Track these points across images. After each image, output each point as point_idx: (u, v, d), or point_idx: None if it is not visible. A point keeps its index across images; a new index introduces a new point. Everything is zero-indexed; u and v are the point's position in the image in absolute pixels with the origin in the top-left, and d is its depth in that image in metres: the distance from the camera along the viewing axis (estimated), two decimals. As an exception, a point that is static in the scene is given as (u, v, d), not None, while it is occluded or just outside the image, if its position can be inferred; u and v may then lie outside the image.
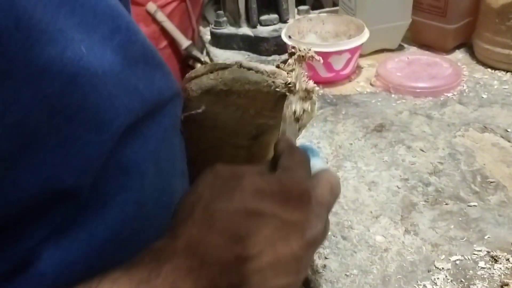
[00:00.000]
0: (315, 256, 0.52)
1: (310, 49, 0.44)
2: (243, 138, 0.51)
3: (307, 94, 0.46)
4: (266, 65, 0.43)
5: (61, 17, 0.26)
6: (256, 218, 0.31)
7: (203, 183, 0.33)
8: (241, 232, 0.30)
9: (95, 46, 0.28)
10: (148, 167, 0.34)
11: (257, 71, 0.42)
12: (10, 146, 0.25)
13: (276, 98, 0.45)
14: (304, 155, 0.36)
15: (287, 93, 0.42)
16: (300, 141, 0.67)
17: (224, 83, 0.43)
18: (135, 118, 0.32)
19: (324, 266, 0.51)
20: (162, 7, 2.07)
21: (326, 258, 0.52)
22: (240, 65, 0.43)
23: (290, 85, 0.42)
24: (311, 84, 0.46)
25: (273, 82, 0.42)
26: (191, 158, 0.45)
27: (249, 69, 0.43)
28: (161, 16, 2.09)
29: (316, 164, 0.38)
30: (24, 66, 0.24)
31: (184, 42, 2.14)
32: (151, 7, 2.05)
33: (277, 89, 0.42)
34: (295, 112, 0.42)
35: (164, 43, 2.15)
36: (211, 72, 0.44)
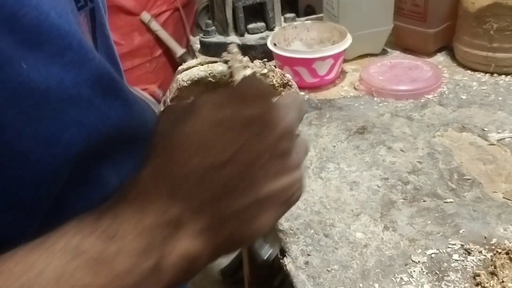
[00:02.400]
0: (298, 253, 0.55)
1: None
2: None
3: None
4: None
5: None
6: (218, 126, 0.29)
7: (161, 121, 0.32)
8: (206, 143, 0.29)
9: (39, 63, 0.29)
10: (114, 180, 0.36)
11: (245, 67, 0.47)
12: None
13: None
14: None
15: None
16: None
17: (213, 75, 0.46)
18: (99, 137, 0.33)
19: (307, 262, 0.54)
20: (156, 16, 2.11)
21: (308, 255, 0.55)
22: (226, 61, 0.47)
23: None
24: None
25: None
26: None
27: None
28: (155, 26, 2.13)
29: None
30: None
31: (179, 50, 2.18)
32: (145, 16, 2.09)
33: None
34: None
35: (159, 51, 2.19)
36: (202, 65, 0.47)
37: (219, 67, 0.48)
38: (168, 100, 0.50)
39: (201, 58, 0.49)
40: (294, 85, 0.51)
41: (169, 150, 0.29)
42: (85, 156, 0.32)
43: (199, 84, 0.47)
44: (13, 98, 0.27)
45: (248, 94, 0.30)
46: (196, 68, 0.48)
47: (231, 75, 0.46)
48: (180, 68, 0.49)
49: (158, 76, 2.22)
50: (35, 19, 0.28)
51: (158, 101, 2.20)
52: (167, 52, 2.21)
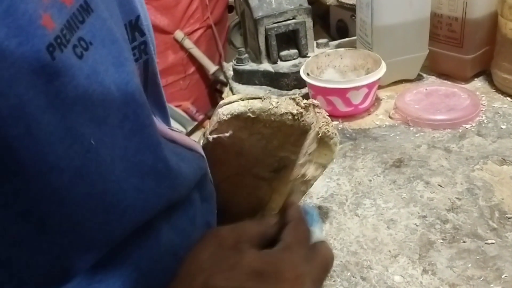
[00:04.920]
0: (335, 298, 0.55)
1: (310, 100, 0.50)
2: (265, 169, 0.55)
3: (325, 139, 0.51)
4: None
5: (73, 116, 0.28)
6: None
7: (205, 251, 0.36)
8: None
9: (106, 136, 0.30)
10: (166, 230, 0.37)
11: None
12: (22, 230, 0.27)
13: (299, 133, 0.50)
14: (307, 232, 0.38)
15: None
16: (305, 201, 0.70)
17: (252, 111, 0.47)
18: (158, 200, 0.34)
19: (344, 307, 0.54)
20: (189, 34, 2.14)
21: (345, 299, 0.54)
22: (261, 98, 0.49)
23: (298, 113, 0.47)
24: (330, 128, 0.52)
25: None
26: (215, 184, 0.49)
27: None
28: (188, 43, 2.16)
29: (314, 232, 0.41)
30: (33, 163, 0.26)
31: (212, 68, 2.21)
32: (179, 35, 2.12)
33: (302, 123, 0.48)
34: (304, 175, 0.45)
35: (192, 69, 2.23)
36: (242, 100, 0.49)
37: (258, 104, 0.49)
38: (208, 132, 0.51)
39: (242, 94, 0.50)
40: (337, 139, 0.52)
41: None
42: (142, 219, 0.33)
43: (238, 118, 0.48)
44: (80, 173, 0.28)
45: (288, 279, 0.34)
46: (236, 103, 0.49)
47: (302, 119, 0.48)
48: (221, 102, 0.50)
49: (191, 93, 2.25)
50: (101, 94, 0.29)
51: (192, 118, 2.23)
52: (200, 69, 2.24)
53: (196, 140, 0.54)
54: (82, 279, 0.31)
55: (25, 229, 0.27)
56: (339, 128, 0.86)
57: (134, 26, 0.37)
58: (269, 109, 0.49)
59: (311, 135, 0.53)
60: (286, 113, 0.49)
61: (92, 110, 0.29)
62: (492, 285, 0.53)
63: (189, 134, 2.04)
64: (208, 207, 0.46)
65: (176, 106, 2.18)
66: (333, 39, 1.27)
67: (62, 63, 0.26)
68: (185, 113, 2.23)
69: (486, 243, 0.59)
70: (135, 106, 0.33)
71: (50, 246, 0.29)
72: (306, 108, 0.50)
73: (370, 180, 0.72)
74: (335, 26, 1.95)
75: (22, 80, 0.24)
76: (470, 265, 0.56)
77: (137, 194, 0.32)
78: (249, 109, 0.48)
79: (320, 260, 0.38)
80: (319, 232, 0.41)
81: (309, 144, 0.54)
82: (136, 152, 0.33)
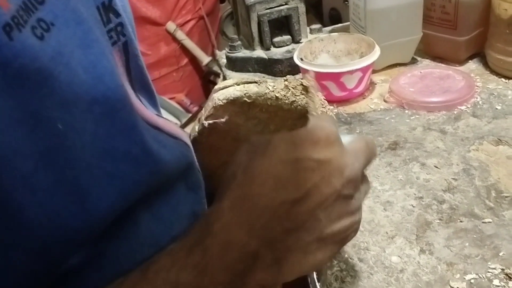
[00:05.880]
0: (332, 279, 0.54)
1: (301, 78, 0.49)
2: None
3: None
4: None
5: (36, 99, 0.27)
6: (292, 165, 0.32)
7: (240, 153, 0.35)
8: (281, 180, 0.32)
9: (75, 121, 0.29)
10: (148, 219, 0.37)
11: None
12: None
13: (296, 117, 0.49)
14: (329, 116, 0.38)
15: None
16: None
17: (248, 96, 0.47)
18: (134, 186, 0.34)
19: (342, 289, 0.53)
20: (181, 25, 2.13)
21: (343, 281, 0.54)
22: (257, 82, 0.48)
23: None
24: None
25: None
26: (211, 170, 0.48)
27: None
28: (181, 35, 2.14)
29: (345, 137, 0.40)
30: None
31: (205, 59, 2.20)
32: (171, 26, 2.11)
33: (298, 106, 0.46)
34: None
35: (185, 60, 2.22)
36: (238, 85, 0.48)
37: (254, 88, 0.48)
38: (203, 118, 0.50)
39: (238, 78, 0.49)
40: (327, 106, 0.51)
41: (248, 184, 0.33)
42: (119, 206, 0.32)
43: (234, 103, 0.47)
44: (45, 160, 0.27)
45: (321, 138, 0.33)
46: (232, 88, 0.48)
47: (293, 102, 0.47)
48: (216, 87, 0.50)
49: (185, 85, 2.24)
50: (67, 77, 0.28)
51: (186, 109, 2.22)
52: (193, 60, 2.23)
53: (189, 131, 0.53)
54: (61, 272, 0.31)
55: (2, 223, 0.27)
56: (334, 113, 0.85)
57: (107, 8, 0.35)
58: (266, 93, 0.48)
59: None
60: (284, 96, 0.48)
61: (59, 93, 0.28)
62: (489, 263, 0.53)
63: (183, 126, 2.03)
64: (195, 197, 0.45)
65: (170, 98, 2.17)
66: (327, 27, 1.26)
67: (21, 44, 0.26)
68: (179, 105, 2.22)
69: (483, 222, 0.58)
70: (104, 89, 0.32)
71: (29, 240, 0.28)
72: (295, 89, 0.49)
73: (366, 163, 0.71)
74: (328, 14, 1.94)
75: None
76: (467, 244, 0.56)
77: (110, 180, 0.32)
78: (245, 94, 0.48)
79: (358, 138, 0.38)
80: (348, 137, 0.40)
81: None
82: (107, 137, 0.32)
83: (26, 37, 0.26)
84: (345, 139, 0.38)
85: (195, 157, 0.47)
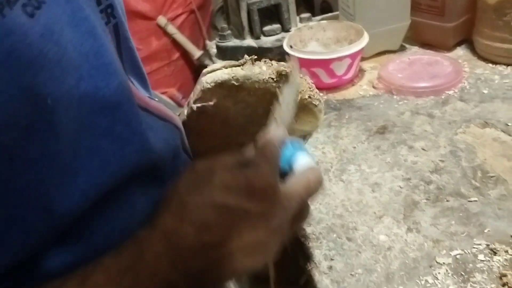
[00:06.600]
0: (321, 258, 0.55)
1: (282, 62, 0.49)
2: (250, 137, 0.54)
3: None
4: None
5: (29, 76, 0.28)
6: (222, 210, 0.35)
7: (182, 178, 0.38)
8: (208, 222, 0.35)
9: (63, 97, 0.30)
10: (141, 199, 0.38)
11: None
12: None
13: None
14: (274, 152, 0.39)
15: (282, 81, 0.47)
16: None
17: (236, 79, 0.47)
18: (123, 165, 0.35)
19: (330, 267, 0.54)
20: (172, 20, 2.12)
21: (332, 259, 0.55)
22: (254, 60, 0.48)
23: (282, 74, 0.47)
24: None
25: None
26: (200, 153, 0.49)
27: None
28: (171, 29, 2.14)
29: (302, 158, 0.41)
30: None
31: (196, 53, 2.19)
32: (162, 20, 2.10)
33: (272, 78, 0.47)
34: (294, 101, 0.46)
35: (176, 54, 2.21)
36: (226, 68, 0.48)
37: (242, 71, 0.48)
38: (192, 101, 0.51)
39: (226, 62, 0.50)
40: (321, 106, 0.52)
41: (179, 219, 0.35)
42: (105, 183, 0.33)
43: (222, 86, 0.48)
44: (30, 133, 0.28)
45: (257, 190, 0.36)
46: (220, 71, 0.48)
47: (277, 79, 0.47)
48: (204, 70, 0.50)
49: (177, 79, 2.23)
50: (57, 55, 0.29)
51: (178, 104, 2.22)
52: (185, 54, 2.22)
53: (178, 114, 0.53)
54: (52, 247, 0.32)
55: None
56: (324, 100, 0.86)
57: None
58: (253, 76, 0.48)
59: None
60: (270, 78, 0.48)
61: (49, 70, 0.29)
62: (475, 240, 0.54)
63: (176, 120, 2.03)
64: None
65: (162, 93, 2.16)
66: (318, 18, 1.27)
67: (12, 21, 0.26)
68: (171, 99, 2.22)
69: (469, 201, 0.59)
70: (88, 67, 0.32)
71: (14, 214, 0.29)
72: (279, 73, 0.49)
73: (355, 147, 0.72)
74: (320, 6, 1.95)
75: None
76: (453, 222, 0.57)
77: (91, 155, 0.33)
78: (232, 77, 0.48)
79: (301, 178, 0.39)
80: (309, 158, 0.41)
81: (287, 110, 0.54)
82: (89, 113, 0.32)
83: (17, 15, 0.27)
84: (301, 158, 0.40)
85: (186, 140, 0.48)
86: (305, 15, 1.04)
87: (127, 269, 0.34)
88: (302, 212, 0.41)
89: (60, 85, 0.30)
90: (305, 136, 0.61)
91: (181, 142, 0.47)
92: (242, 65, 0.49)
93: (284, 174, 0.40)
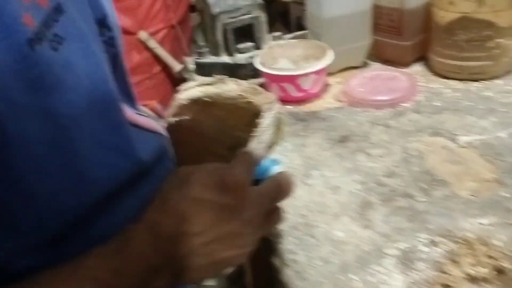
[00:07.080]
0: (286, 252, 0.62)
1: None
2: (222, 147, 0.61)
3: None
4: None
5: (49, 99, 0.33)
6: (199, 203, 0.41)
7: (166, 181, 0.44)
8: (187, 215, 0.40)
9: (78, 117, 0.36)
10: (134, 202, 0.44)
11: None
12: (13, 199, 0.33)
13: (251, 114, 0.56)
14: (249, 160, 0.45)
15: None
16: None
17: (209, 96, 0.54)
18: (122, 173, 0.41)
19: (294, 260, 0.61)
20: (153, 34, 2.18)
21: (295, 253, 0.62)
22: (223, 80, 0.55)
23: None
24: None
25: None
26: (179, 162, 0.56)
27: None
28: (153, 43, 2.19)
29: (277, 170, 0.48)
30: (15, 134, 0.32)
31: (177, 66, 2.25)
32: (143, 35, 2.15)
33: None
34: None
35: (157, 68, 2.26)
36: (199, 86, 0.55)
37: (214, 89, 0.56)
38: (170, 116, 0.58)
39: (199, 80, 0.57)
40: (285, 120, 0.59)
41: (160, 211, 0.41)
42: (108, 189, 0.39)
43: (197, 103, 0.55)
44: (53, 146, 0.34)
45: (229, 185, 0.41)
46: (194, 89, 0.56)
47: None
48: (180, 88, 0.57)
49: (158, 92, 2.28)
50: (74, 83, 0.35)
51: (159, 116, 2.27)
52: (166, 68, 2.28)
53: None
54: (48, 245, 0.37)
55: (15, 198, 0.33)
56: (293, 112, 0.93)
57: (101, 24, 0.43)
58: (223, 93, 0.55)
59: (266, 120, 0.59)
60: (240, 95, 0.55)
61: (67, 95, 0.35)
62: (419, 234, 0.61)
63: (157, 131, 2.08)
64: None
65: (143, 105, 2.20)
66: (293, 35, 1.35)
67: (40, 54, 0.33)
68: (152, 111, 2.26)
69: (416, 201, 0.67)
70: (100, 92, 0.39)
71: (32, 212, 0.35)
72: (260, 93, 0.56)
73: (319, 155, 0.80)
74: (295, 22, 2.04)
75: (5, 68, 0.30)
76: (402, 219, 0.64)
77: (102, 167, 0.39)
78: (205, 94, 0.55)
79: (272, 179, 0.46)
80: (282, 169, 0.47)
81: (265, 130, 0.60)
82: (101, 132, 0.39)
83: (44, 49, 0.33)
84: (276, 170, 0.47)
85: (170, 146, 0.54)
86: (277, 33, 1.12)
87: (115, 254, 0.39)
88: (274, 212, 0.47)
89: (74, 108, 0.36)
90: (270, 146, 0.69)
91: (167, 148, 0.54)
92: (214, 83, 0.57)
93: (259, 182, 0.46)
